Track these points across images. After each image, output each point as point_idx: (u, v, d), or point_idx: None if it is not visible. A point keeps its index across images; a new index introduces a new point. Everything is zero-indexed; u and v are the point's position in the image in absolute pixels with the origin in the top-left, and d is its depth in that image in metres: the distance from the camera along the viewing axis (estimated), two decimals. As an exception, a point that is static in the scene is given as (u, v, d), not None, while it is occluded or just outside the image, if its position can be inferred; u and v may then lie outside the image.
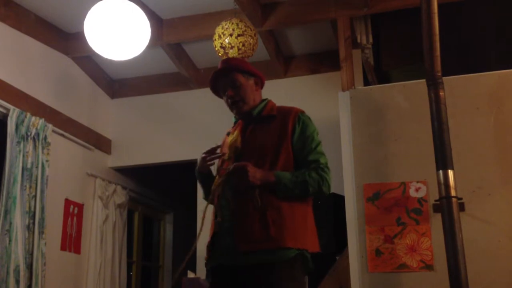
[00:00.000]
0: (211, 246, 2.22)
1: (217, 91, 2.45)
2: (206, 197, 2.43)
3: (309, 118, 2.32)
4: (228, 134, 2.45)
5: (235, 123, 2.41)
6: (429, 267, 3.26)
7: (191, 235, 4.99)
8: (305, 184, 2.16)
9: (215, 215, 2.24)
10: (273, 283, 2.07)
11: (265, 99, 2.42)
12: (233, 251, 2.12)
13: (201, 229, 2.24)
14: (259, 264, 2.08)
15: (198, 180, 2.49)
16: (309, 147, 2.23)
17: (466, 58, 4.40)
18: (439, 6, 2.91)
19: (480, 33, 4.48)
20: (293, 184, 2.14)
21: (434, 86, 2.92)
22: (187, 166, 5.23)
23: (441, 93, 2.90)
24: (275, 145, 2.22)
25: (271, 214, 2.12)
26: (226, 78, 2.36)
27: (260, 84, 2.43)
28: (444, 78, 2.94)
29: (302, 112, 2.32)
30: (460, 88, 3.47)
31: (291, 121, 2.26)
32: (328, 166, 2.23)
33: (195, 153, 5.06)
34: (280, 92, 4.78)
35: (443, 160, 2.79)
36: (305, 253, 2.17)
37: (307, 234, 2.19)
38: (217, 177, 2.29)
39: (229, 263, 2.15)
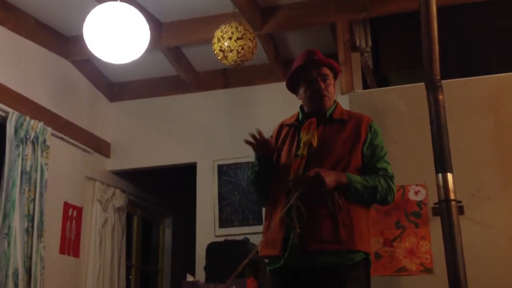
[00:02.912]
0: (279, 249, 2.20)
1: (291, 79, 2.43)
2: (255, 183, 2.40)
3: (378, 128, 2.37)
4: (288, 126, 2.42)
5: (301, 119, 2.39)
6: (428, 270, 3.26)
7: (190, 239, 4.99)
8: (375, 190, 2.19)
9: (288, 224, 2.18)
10: (339, 286, 2.09)
11: (334, 101, 2.43)
12: (301, 252, 2.12)
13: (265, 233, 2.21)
14: (325, 266, 2.10)
15: (258, 169, 2.38)
16: (378, 155, 2.28)
17: (467, 60, 4.41)
18: (439, 8, 2.92)
19: (481, 34, 4.49)
20: (364, 188, 2.17)
21: (433, 90, 2.92)
22: (186, 170, 5.24)
23: (440, 97, 2.90)
24: (347, 150, 2.25)
25: (341, 216, 2.13)
26: (319, 70, 2.36)
27: (335, 87, 2.47)
28: (443, 81, 2.94)
29: (372, 121, 2.37)
30: (459, 92, 3.47)
31: (364, 128, 2.30)
32: (393, 176, 2.28)
33: (195, 156, 5.14)
34: (279, 95, 4.78)
35: (442, 163, 2.78)
36: (369, 257, 2.21)
37: (370, 238, 2.24)
38: (291, 175, 2.22)
39: (295, 264, 2.15)
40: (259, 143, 2.28)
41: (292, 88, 2.47)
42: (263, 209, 4.67)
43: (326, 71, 2.36)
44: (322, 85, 2.34)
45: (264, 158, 2.34)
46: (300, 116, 2.42)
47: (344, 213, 2.14)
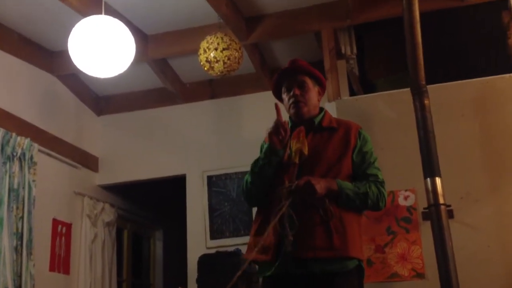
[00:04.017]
0: (271, 255, 2.19)
1: (276, 90, 2.47)
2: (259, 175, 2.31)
3: (368, 135, 2.38)
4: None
5: (292, 127, 2.37)
6: (420, 275, 3.26)
7: (182, 252, 4.95)
8: (366, 196, 2.20)
9: (282, 232, 2.15)
10: None
11: (322, 109, 2.44)
12: (294, 259, 2.12)
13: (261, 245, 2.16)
14: (319, 273, 2.11)
15: (264, 163, 2.29)
16: (368, 161, 2.29)
17: (453, 64, 4.43)
18: (423, 13, 2.95)
19: (467, 38, 4.52)
20: (355, 194, 2.18)
21: (418, 95, 2.94)
22: (176, 182, 5.21)
23: (426, 102, 2.93)
24: (337, 157, 2.26)
25: (333, 223, 2.14)
26: (295, 78, 2.37)
27: (321, 95, 2.46)
28: (428, 86, 2.96)
29: (361, 128, 2.39)
30: (444, 96, 3.50)
31: (353, 136, 2.31)
32: (384, 182, 2.28)
33: (184, 168, 5.13)
34: (267, 104, 4.78)
35: (430, 168, 2.80)
36: (362, 264, 2.21)
37: (363, 245, 2.24)
38: (286, 183, 2.19)
39: (289, 271, 2.15)
40: (279, 128, 2.22)
41: (279, 98, 2.49)
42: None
43: (303, 77, 2.37)
44: (297, 91, 2.35)
45: (277, 150, 2.26)
46: (290, 125, 2.43)
47: (337, 220, 2.15)
